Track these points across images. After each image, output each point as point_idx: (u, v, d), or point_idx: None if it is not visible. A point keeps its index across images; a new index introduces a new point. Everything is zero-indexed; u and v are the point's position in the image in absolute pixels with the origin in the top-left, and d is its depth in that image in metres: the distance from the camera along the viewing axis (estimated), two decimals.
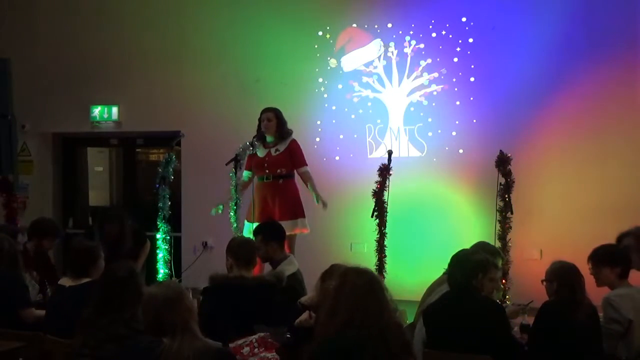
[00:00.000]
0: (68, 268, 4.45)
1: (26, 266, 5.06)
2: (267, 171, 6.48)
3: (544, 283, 4.08)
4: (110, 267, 3.82)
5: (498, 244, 6.33)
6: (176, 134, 7.74)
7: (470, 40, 7.62)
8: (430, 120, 7.79)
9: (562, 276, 3.99)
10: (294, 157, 6.50)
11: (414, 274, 6.88)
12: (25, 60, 8.79)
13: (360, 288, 3.00)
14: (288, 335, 3.82)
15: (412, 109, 7.86)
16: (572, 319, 3.81)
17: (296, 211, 6.45)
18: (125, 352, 3.00)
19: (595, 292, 4.20)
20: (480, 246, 4.60)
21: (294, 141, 6.57)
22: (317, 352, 2.96)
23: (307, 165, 6.57)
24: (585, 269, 4.10)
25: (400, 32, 7.88)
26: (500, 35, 7.53)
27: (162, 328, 2.87)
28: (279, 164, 6.45)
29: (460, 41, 7.65)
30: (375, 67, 7.98)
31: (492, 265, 4.11)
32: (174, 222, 7.57)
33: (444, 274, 4.47)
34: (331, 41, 8.13)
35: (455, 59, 7.68)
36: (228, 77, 8.48)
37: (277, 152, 6.50)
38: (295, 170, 6.56)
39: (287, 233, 6.30)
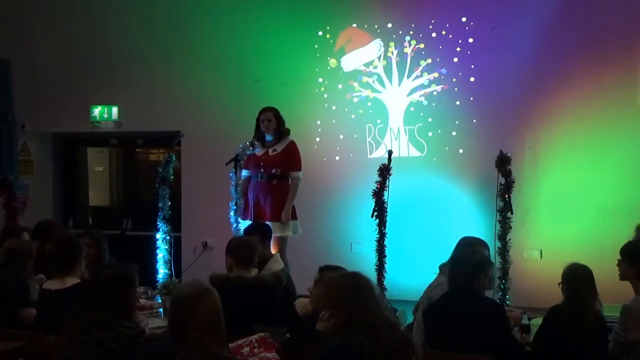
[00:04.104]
0: (52, 265, 4.39)
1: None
2: (262, 170, 6.48)
3: (560, 285, 4.06)
4: (100, 267, 3.79)
5: (498, 244, 6.34)
6: (176, 134, 7.74)
7: (470, 40, 7.61)
8: (430, 120, 7.78)
9: (568, 279, 3.96)
10: (289, 159, 6.50)
11: (413, 274, 6.87)
12: (25, 60, 8.79)
13: (347, 289, 2.99)
14: (288, 335, 3.82)
15: (412, 109, 7.85)
16: (578, 322, 3.79)
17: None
18: (111, 356, 2.97)
19: (610, 292, 4.20)
20: (467, 242, 4.58)
21: (292, 143, 6.57)
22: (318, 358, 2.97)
23: (300, 170, 6.55)
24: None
25: (400, 32, 7.87)
26: (500, 35, 7.53)
27: (185, 326, 2.79)
28: (274, 164, 6.46)
29: (460, 41, 7.64)
30: (375, 67, 7.97)
31: (490, 263, 4.13)
32: (174, 222, 7.57)
33: (438, 275, 4.49)
34: (331, 41, 8.12)
35: (455, 59, 7.67)
36: (228, 77, 8.47)
37: (275, 152, 6.51)
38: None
39: (277, 234, 6.33)
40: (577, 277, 3.95)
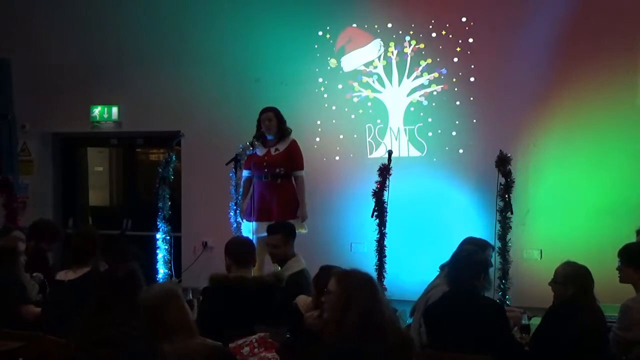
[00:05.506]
0: (69, 256, 4.43)
1: (26, 266, 5.07)
2: (266, 170, 6.48)
3: (553, 284, 4.04)
4: (109, 267, 3.79)
5: (498, 244, 6.33)
6: (176, 134, 7.74)
7: (470, 40, 7.62)
8: (430, 120, 7.78)
9: (574, 277, 3.94)
10: (292, 159, 6.51)
11: (413, 274, 6.87)
12: (25, 60, 8.80)
13: (367, 290, 3.01)
14: (288, 335, 3.82)
15: (412, 109, 7.85)
16: (582, 320, 3.79)
17: (294, 211, 6.45)
18: (121, 358, 3.00)
19: (609, 292, 4.20)
20: (470, 242, 4.59)
21: (294, 142, 6.58)
22: (320, 354, 2.97)
23: (303, 169, 6.56)
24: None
25: (400, 32, 7.87)
26: (500, 35, 7.53)
27: (157, 329, 2.87)
28: (277, 164, 6.46)
29: (460, 41, 7.65)
30: (375, 67, 7.97)
31: (490, 263, 4.14)
32: (174, 222, 7.57)
33: (438, 276, 4.49)
34: (331, 41, 8.12)
35: (455, 59, 7.68)
36: (228, 77, 8.47)
37: (277, 152, 6.51)
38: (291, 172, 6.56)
39: None
40: (584, 276, 3.95)
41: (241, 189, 6.72)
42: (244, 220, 6.64)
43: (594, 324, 3.81)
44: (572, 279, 3.94)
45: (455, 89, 7.69)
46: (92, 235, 4.53)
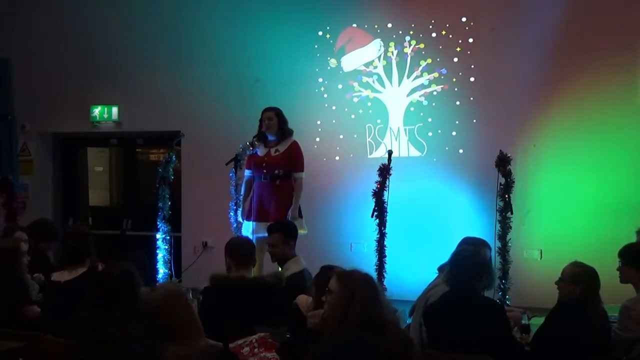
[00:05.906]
0: (65, 256, 4.42)
1: (28, 266, 5.07)
2: (265, 171, 6.47)
3: (561, 283, 4.04)
4: (106, 266, 3.79)
5: (498, 244, 6.34)
6: (176, 134, 7.74)
7: (470, 40, 7.62)
8: (430, 120, 7.78)
9: (585, 279, 3.96)
10: (292, 160, 6.49)
11: (413, 274, 6.87)
12: (25, 60, 8.79)
13: (369, 289, 3.01)
14: (288, 336, 3.82)
15: (412, 109, 7.85)
16: (587, 321, 3.78)
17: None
18: (120, 358, 3.00)
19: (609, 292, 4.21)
20: (468, 241, 4.59)
21: (295, 143, 6.55)
22: (319, 353, 2.96)
23: (303, 171, 6.53)
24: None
25: (400, 32, 7.88)
26: (500, 35, 7.53)
27: (164, 330, 2.87)
28: (277, 165, 6.44)
29: (460, 41, 7.65)
30: (375, 67, 7.97)
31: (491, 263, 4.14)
32: (174, 222, 7.58)
33: (437, 276, 4.48)
34: (331, 41, 8.12)
35: (455, 59, 7.68)
36: (228, 77, 8.47)
37: (277, 153, 6.49)
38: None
39: None
40: (593, 276, 3.97)
41: (242, 189, 6.72)
42: (245, 220, 6.64)
43: (599, 324, 3.82)
44: (581, 278, 3.97)
45: (455, 89, 7.69)
46: (84, 234, 4.52)
